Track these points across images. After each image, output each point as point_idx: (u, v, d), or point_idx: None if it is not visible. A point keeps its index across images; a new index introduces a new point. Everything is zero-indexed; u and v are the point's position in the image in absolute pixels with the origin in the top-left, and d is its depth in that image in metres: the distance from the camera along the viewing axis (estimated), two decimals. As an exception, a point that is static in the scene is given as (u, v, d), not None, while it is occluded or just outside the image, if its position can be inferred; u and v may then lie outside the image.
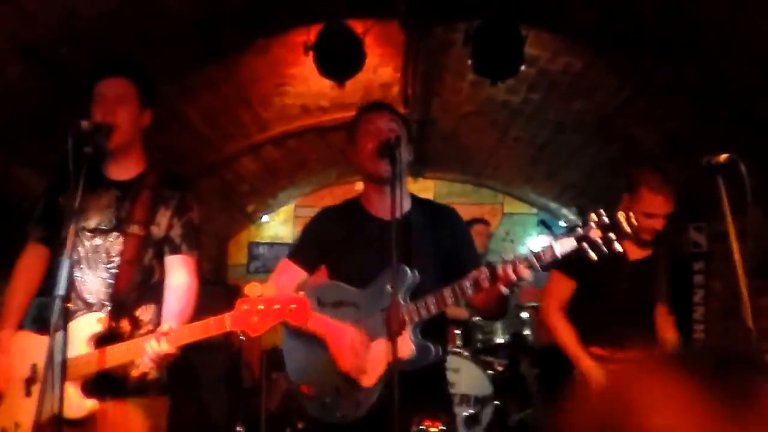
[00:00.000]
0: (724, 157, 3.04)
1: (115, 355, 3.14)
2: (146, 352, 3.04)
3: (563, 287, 4.30)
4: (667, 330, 4.20)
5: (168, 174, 3.55)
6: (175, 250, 3.45)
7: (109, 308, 3.30)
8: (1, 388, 3.34)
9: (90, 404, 3.18)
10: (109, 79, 3.40)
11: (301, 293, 2.84)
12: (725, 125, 5.14)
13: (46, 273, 3.53)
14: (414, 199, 3.59)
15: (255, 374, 7.36)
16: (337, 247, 3.45)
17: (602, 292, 4.17)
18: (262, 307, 2.82)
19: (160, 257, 3.45)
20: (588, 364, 4.08)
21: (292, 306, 2.80)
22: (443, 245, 3.46)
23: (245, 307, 2.85)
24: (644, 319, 4.14)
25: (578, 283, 4.28)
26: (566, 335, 4.23)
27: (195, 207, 3.55)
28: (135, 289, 3.37)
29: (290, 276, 3.52)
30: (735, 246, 2.96)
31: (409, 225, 3.37)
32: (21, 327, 3.48)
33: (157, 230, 3.42)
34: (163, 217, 3.44)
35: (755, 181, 2.97)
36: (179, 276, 3.43)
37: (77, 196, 2.97)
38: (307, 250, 3.57)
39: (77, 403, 3.15)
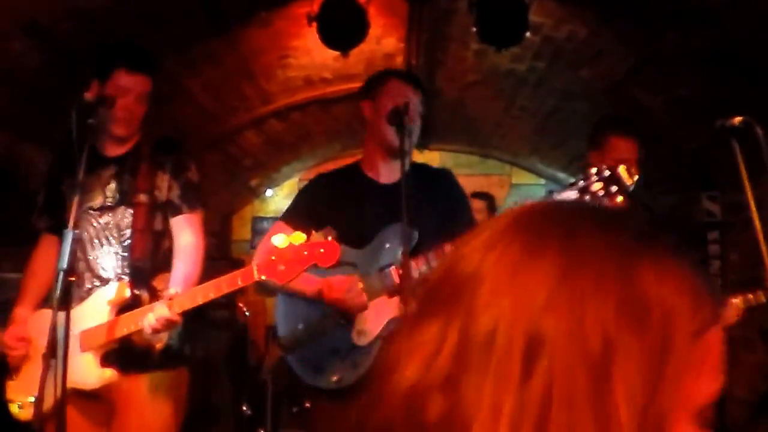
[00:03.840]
0: (738, 119, 2.99)
1: (127, 322, 3.16)
2: (148, 321, 3.04)
3: None
4: None
5: (161, 140, 3.58)
6: (177, 211, 3.48)
7: (128, 278, 3.33)
8: (19, 349, 3.41)
9: (108, 374, 3.20)
10: (139, 76, 3.41)
11: (330, 238, 2.80)
12: (736, 89, 5.08)
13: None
14: (411, 164, 3.57)
15: (260, 351, 7.37)
16: (333, 211, 3.42)
17: None
18: (289, 255, 2.80)
19: (167, 223, 3.49)
20: None
21: (320, 250, 2.78)
22: (437, 207, 3.45)
23: (273, 257, 2.83)
24: None
25: None
26: None
27: (192, 166, 3.57)
28: (150, 258, 3.40)
29: None
30: (755, 213, 2.91)
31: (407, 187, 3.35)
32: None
33: (160, 195, 3.46)
34: (163, 181, 3.47)
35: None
36: (185, 237, 3.46)
37: (81, 169, 2.99)
38: (300, 213, 3.53)
39: (94, 374, 3.19)
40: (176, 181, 3.49)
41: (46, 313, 3.39)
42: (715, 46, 4.85)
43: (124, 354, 3.25)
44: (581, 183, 2.93)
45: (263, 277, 2.86)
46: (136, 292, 3.30)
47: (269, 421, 6.41)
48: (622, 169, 2.89)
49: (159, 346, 3.33)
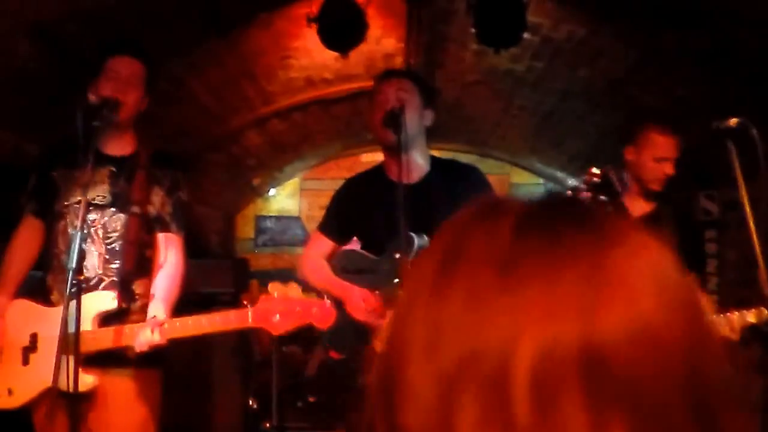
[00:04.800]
0: (734, 121, 3.03)
1: (128, 335, 3.21)
2: (139, 344, 3.13)
3: None
4: None
5: (160, 153, 3.62)
6: (166, 228, 3.54)
7: (118, 289, 3.36)
8: None
9: (91, 380, 3.23)
10: (125, 58, 3.45)
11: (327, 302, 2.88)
12: (734, 89, 5.11)
13: (42, 246, 3.60)
14: (434, 160, 3.61)
15: (266, 347, 7.38)
16: (362, 215, 3.52)
17: None
18: (282, 308, 2.85)
19: (152, 234, 3.53)
20: None
21: (313, 309, 2.86)
22: (460, 205, 3.43)
23: (268, 305, 2.88)
24: None
25: None
26: None
27: (185, 187, 3.64)
28: (135, 271, 3.44)
29: (320, 248, 3.67)
30: (749, 212, 2.95)
31: (428, 187, 3.38)
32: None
33: (153, 209, 3.50)
34: (157, 197, 3.52)
35: (767, 145, 2.96)
36: (170, 255, 3.51)
37: (88, 170, 3.06)
38: (333, 222, 3.69)
39: (79, 378, 3.19)
40: (170, 199, 3.54)
41: (23, 304, 3.46)
42: (713, 46, 4.88)
43: (101, 354, 3.27)
44: (570, 193, 2.96)
45: (255, 325, 2.97)
46: (124, 305, 3.35)
47: (275, 416, 6.45)
48: (612, 175, 2.89)
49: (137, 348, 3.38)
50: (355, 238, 3.67)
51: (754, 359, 5.08)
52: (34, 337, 3.33)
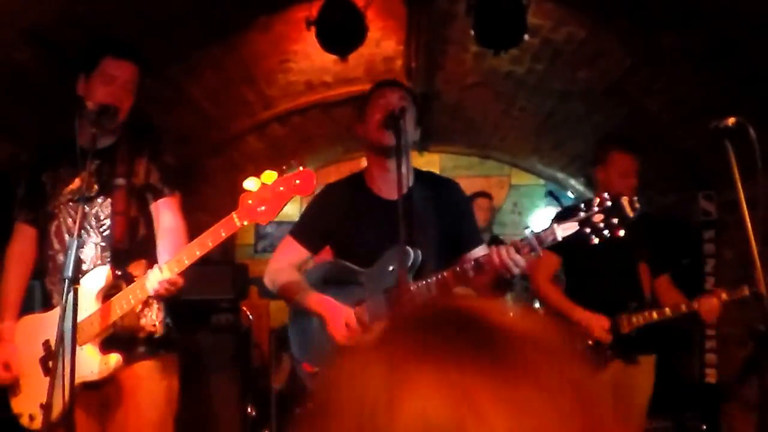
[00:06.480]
0: (732, 121, 3.02)
1: (122, 303, 3.15)
2: (152, 285, 3.03)
3: (550, 262, 4.66)
4: (668, 296, 4.62)
5: (137, 127, 3.56)
6: (159, 195, 3.48)
7: (109, 260, 3.33)
8: (5, 377, 3.39)
9: (114, 359, 3.20)
10: (125, 62, 3.42)
11: (301, 168, 2.80)
12: (732, 90, 5.11)
13: (37, 254, 3.58)
14: (416, 173, 3.56)
15: (264, 354, 7.38)
16: (340, 225, 3.43)
17: (587, 263, 4.47)
18: (266, 195, 2.79)
19: (143, 209, 3.48)
20: (584, 314, 4.38)
21: (296, 181, 2.76)
22: (444, 220, 3.45)
23: (249, 201, 2.82)
24: (630, 281, 4.55)
25: (564, 258, 4.66)
26: (557, 297, 4.60)
27: (167, 150, 3.58)
28: (129, 242, 3.40)
29: (293, 255, 3.55)
30: (745, 212, 2.94)
31: (411, 201, 3.35)
32: (29, 312, 3.51)
33: (137, 180, 3.45)
34: (140, 165, 3.47)
35: (764, 145, 2.95)
36: (168, 218, 3.45)
37: (86, 178, 3.07)
38: (309, 228, 3.55)
39: (99, 362, 3.19)
40: (154, 165, 3.49)
41: (29, 320, 3.44)
42: (712, 46, 4.87)
43: (114, 345, 3.26)
44: (582, 214, 2.93)
45: (245, 223, 2.86)
46: (119, 273, 3.30)
47: (274, 423, 6.44)
48: (624, 200, 2.89)
49: (142, 334, 3.37)
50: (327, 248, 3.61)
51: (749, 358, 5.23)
52: (47, 344, 3.31)
